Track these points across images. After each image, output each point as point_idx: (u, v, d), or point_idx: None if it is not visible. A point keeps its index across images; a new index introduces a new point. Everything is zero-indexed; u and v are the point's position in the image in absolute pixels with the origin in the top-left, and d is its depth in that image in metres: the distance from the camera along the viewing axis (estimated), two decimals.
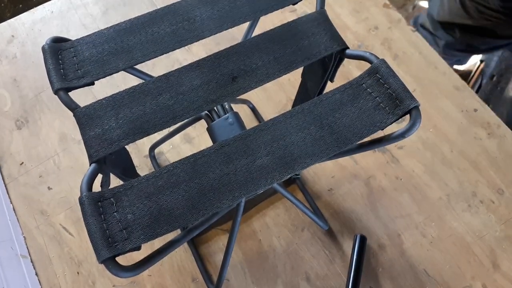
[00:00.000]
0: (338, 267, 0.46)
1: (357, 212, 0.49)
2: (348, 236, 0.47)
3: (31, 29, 0.62)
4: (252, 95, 0.56)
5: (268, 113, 0.55)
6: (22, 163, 0.53)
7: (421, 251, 0.46)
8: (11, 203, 0.51)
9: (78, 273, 0.47)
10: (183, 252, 0.48)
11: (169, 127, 0.28)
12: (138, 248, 0.23)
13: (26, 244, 0.49)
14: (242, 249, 0.47)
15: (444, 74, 0.56)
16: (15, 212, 0.50)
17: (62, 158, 0.53)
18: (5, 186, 0.52)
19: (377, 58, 0.27)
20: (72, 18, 0.62)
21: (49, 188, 0.51)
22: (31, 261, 0.48)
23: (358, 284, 0.44)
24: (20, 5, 1.38)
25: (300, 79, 0.40)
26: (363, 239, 0.46)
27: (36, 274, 0.47)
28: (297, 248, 0.47)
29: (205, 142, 0.53)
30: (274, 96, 0.56)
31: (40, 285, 0.46)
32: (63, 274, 0.47)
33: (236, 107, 0.54)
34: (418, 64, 0.57)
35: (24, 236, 0.49)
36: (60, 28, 0.62)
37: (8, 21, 0.63)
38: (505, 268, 0.45)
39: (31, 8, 0.64)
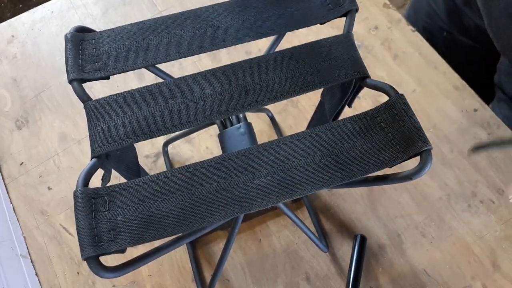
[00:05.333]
0: (338, 267, 0.46)
1: (357, 212, 0.49)
2: (348, 236, 0.47)
3: (31, 29, 0.62)
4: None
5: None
6: (22, 163, 0.53)
7: (421, 251, 0.46)
8: (11, 203, 0.51)
9: (78, 273, 0.47)
10: (183, 252, 0.48)
11: (174, 132, 0.27)
12: (123, 250, 0.23)
13: (26, 244, 0.49)
14: (242, 249, 0.47)
15: (444, 74, 0.56)
16: (15, 212, 0.50)
17: (62, 158, 0.53)
18: (5, 186, 0.52)
19: (396, 92, 0.27)
20: (72, 18, 0.62)
21: (49, 188, 0.51)
22: (31, 261, 0.48)
23: (358, 284, 0.44)
24: (20, 5, 1.38)
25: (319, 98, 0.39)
26: (363, 239, 0.46)
27: (36, 274, 0.47)
28: (297, 248, 0.47)
29: (205, 142, 0.53)
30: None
31: (40, 285, 0.46)
32: (63, 274, 0.47)
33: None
34: (418, 64, 0.56)
35: (24, 236, 0.49)
36: (60, 28, 0.62)
37: (8, 21, 0.63)
38: (505, 268, 0.45)
39: (31, 8, 0.64)
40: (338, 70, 0.29)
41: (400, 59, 0.57)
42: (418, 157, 0.25)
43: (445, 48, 0.65)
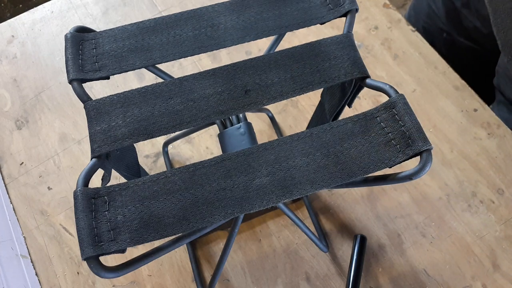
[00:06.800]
0: (338, 267, 0.46)
1: (357, 212, 0.49)
2: (348, 236, 0.47)
3: (31, 29, 0.62)
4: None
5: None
6: (22, 163, 0.53)
7: (421, 251, 0.46)
8: (11, 203, 0.51)
9: (78, 273, 0.47)
10: (183, 252, 0.48)
11: (174, 132, 0.27)
12: (123, 250, 0.23)
13: (26, 244, 0.49)
14: (242, 249, 0.47)
15: (444, 73, 0.56)
16: (15, 212, 0.50)
17: (62, 158, 0.53)
18: (5, 186, 0.52)
19: (396, 92, 0.27)
20: (72, 18, 0.62)
21: (49, 188, 0.51)
22: (31, 261, 0.48)
23: (358, 284, 0.44)
24: (20, 5, 1.38)
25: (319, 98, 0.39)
26: (363, 239, 0.46)
27: (36, 274, 0.47)
28: (297, 248, 0.47)
29: (205, 142, 0.53)
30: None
31: (40, 285, 0.46)
32: (63, 274, 0.47)
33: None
34: (418, 64, 0.57)
35: (24, 236, 0.49)
36: (60, 28, 0.62)
37: (8, 21, 0.63)
38: (505, 268, 0.45)
39: (31, 8, 0.64)
40: (338, 70, 0.29)
41: (400, 59, 0.57)
42: (418, 157, 0.25)
43: (445, 49, 0.65)
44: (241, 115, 0.37)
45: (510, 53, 0.49)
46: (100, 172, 0.27)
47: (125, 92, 0.28)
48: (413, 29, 0.59)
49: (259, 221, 0.49)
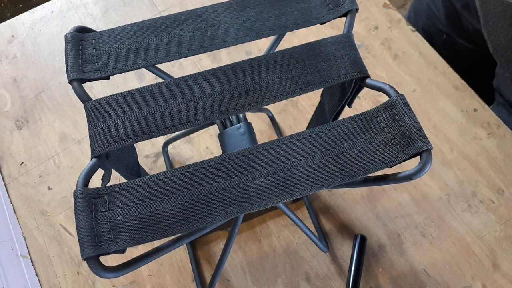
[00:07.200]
0: (338, 267, 0.46)
1: (357, 212, 0.49)
2: (348, 236, 0.47)
3: (31, 29, 0.62)
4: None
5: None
6: (22, 163, 0.53)
7: (421, 251, 0.46)
8: (11, 203, 0.51)
9: (78, 273, 0.47)
10: (183, 252, 0.48)
11: (174, 132, 0.27)
12: (123, 250, 0.23)
13: (26, 244, 0.49)
14: (242, 249, 0.47)
15: (444, 73, 0.56)
16: (15, 212, 0.50)
17: (62, 158, 0.53)
18: (5, 186, 0.52)
19: (396, 92, 0.27)
20: (72, 18, 0.62)
21: (49, 188, 0.51)
22: (31, 261, 0.48)
23: (358, 284, 0.44)
24: (20, 5, 1.38)
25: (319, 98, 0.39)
26: (363, 239, 0.46)
27: (36, 274, 0.47)
28: (297, 248, 0.47)
29: (205, 142, 0.53)
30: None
31: (40, 285, 0.46)
32: (63, 274, 0.47)
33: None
34: (418, 64, 0.57)
35: (24, 236, 0.49)
36: (60, 28, 0.62)
37: (8, 21, 0.63)
38: (505, 268, 0.45)
39: (31, 8, 0.64)
40: (338, 70, 0.29)
41: (400, 59, 0.57)
42: (418, 157, 0.25)
43: (445, 50, 0.65)
44: (241, 115, 0.37)
45: (502, 57, 0.49)
46: (100, 172, 0.27)
47: (125, 92, 0.28)
48: (413, 29, 0.59)
49: (259, 221, 0.49)
